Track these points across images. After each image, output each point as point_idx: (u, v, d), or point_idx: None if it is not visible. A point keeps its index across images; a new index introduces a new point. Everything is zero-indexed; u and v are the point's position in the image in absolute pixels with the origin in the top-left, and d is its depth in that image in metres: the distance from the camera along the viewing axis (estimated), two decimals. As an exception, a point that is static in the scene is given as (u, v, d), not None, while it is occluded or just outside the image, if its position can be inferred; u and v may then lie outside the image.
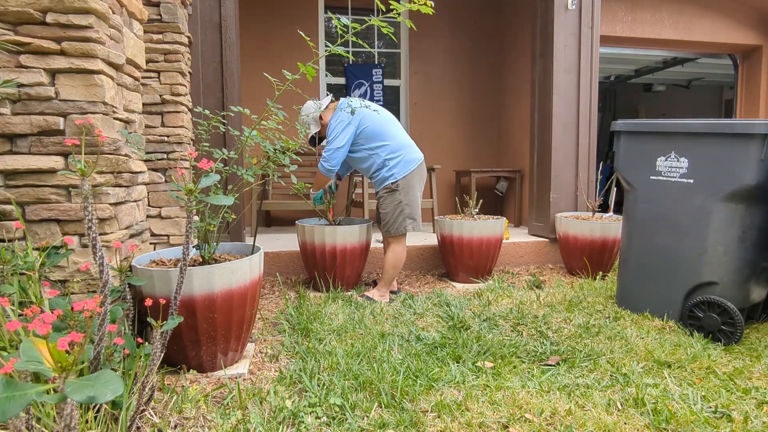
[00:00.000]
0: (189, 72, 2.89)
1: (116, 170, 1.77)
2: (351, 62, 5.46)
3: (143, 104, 2.44)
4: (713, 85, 8.43)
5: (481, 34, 5.61)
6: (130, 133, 1.95)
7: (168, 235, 2.63)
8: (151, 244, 2.55)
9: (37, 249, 1.54)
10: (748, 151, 2.16)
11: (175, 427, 1.47)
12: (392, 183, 2.84)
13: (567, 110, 3.97)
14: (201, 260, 2.03)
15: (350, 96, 5.43)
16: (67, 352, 0.82)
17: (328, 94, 3.09)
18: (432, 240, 3.99)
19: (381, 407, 1.63)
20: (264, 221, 5.16)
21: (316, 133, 2.99)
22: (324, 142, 2.96)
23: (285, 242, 3.94)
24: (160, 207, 2.60)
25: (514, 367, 1.95)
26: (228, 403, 1.63)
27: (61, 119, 1.61)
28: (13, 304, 1.31)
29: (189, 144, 2.77)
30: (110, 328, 1.16)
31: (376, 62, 5.55)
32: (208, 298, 1.81)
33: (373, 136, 2.85)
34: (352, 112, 2.79)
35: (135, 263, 1.89)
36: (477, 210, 3.61)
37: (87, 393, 0.78)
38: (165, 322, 1.39)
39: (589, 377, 1.85)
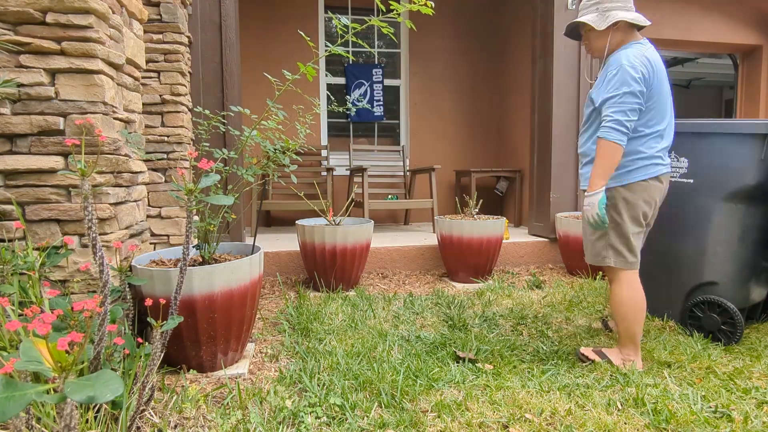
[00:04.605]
0: (189, 72, 2.89)
1: (116, 170, 1.77)
2: (351, 62, 5.46)
3: (143, 104, 2.44)
4: (713, 85, 8.43)
5: (481, 34, 5.61)
6: (130, 133, 1.95)
7: (168, 235, 2.63)
8: (151, 244, 2.55)
9: (37, 249, 1.54)
10: (749, 151, 2.16)
11: (175, 427, 1.47)
12: (623, 186, 1.91)
13: (567, 110, 3.97)
14: (201, 260, 2.03)
15: (350, 96, 5.43)
16: (66, 352, 0.82)
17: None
18: (432, 240, 3.98)
19: (381, 407, 1.63)
20: (264, 221, 5.16)
21: (581, 28, 2.04)
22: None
23: (285, 242, 3.94)
24: (160, 207, 2.61)
25: (514, 367, 1.96)
26: (228, 403, 1.63)
27: (61, 119, 1.61)
28: (13, 304, 1.31)
29: (189, 144, 2.77)
30: (110, 328, 1.16)
31: (376, 62, 5.55)
32: (208, 298, 1.81)
33: (649, 108, 1.88)
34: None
35: (135, 263, 1.89)
36: (477, 210, 3.61)
37: (87, 393, 0.78)
38: (165, 322, 1.39)
39: (589, 377, 1.85)
